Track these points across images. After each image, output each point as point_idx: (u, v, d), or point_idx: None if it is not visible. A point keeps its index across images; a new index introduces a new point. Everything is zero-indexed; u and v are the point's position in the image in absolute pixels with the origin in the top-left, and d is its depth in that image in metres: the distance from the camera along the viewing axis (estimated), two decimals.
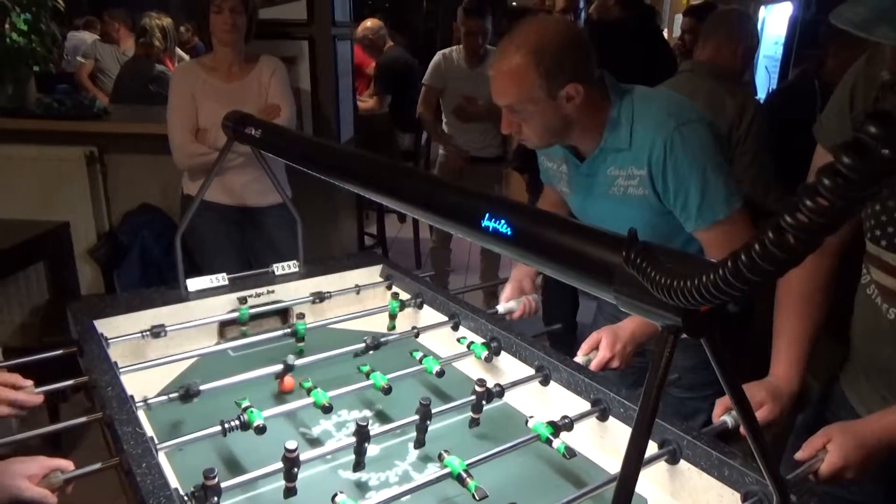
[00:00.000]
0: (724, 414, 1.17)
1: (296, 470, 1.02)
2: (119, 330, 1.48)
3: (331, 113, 3.14)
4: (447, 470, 1.02)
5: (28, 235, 2.81)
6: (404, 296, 1.72)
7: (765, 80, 4.48)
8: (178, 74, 2.59)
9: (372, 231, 4.78)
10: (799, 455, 1.07)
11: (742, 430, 1.13)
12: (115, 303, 1.58)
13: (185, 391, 1.24)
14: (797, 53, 4.10)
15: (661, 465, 1.10)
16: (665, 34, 4.33)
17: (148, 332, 1.47)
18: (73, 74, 5.04)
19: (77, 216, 3.20)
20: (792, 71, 4.08)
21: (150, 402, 1.23)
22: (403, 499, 1.00)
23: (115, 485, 1.11)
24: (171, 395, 1.23)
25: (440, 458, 1.04)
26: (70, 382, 1.30)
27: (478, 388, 1.23)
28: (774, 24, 4.74)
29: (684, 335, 0.58)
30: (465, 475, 1.01)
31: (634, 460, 0.58)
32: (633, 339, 1.44)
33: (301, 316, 1.55)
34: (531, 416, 1.17)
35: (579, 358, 1.41)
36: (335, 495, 0.97)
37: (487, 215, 0.76)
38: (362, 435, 1.09)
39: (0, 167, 3.16)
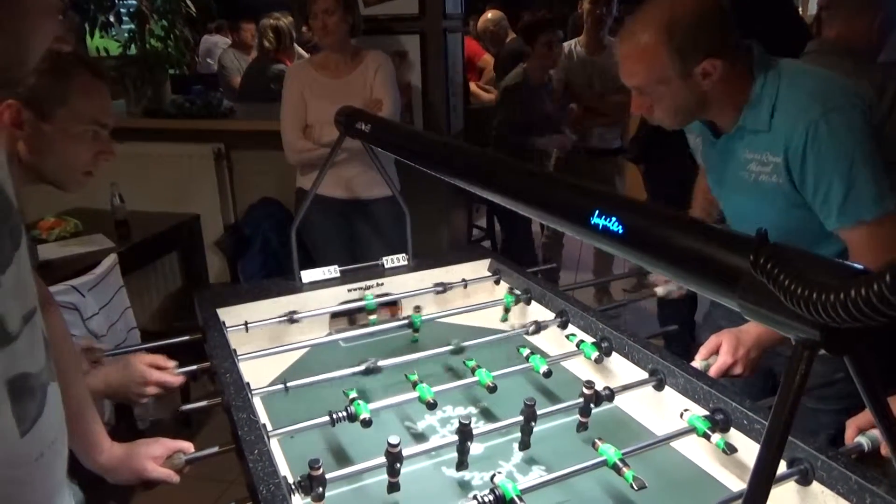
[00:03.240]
0: (857, 436, 1.05)
1: (398, 465, 1.03)
2: (238, 318, 1.55)
3: (441, 106, 3.15)
4: (602, 458, 1.02)
5: (164, 227, 3.04)
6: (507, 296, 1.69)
7: None
8: (290, 73, 2.71)
9: (481, 224, 4.77)
10: None
11: (883, 451, 1.02)
12: (236, 292, 1.66)
13: (371, 364, 1.31)
14: None
15: (791, 486, 1.00)
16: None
17: (285, 318, 1.56)
18: (207, 76, 5.37)
19: (206, 209, 3.41)
20: None
21: (292, 385, 1.28)
22: (555, 484, 1.00)
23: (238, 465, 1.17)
24: (355, 370, 1.30)
25: (594, 445, 1.04)
26: (194, 367, 1.38)
27: (586, 391, 1.18)
28: None
29: (823, 351, 0.51)
30: (620, 465, 1.00)
31: (762, 489, 0.52)
32: (758, 344, 1.33)
33: (418, 308, 1.56)
34: (686, 410, 1.15)
35: (697, 363, 1.31)
36: (494, 475, 0.96)
37: (597, 212, 0.71)
38: (465, 434, 1.07)
39: (140, 164, 3.42)
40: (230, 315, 1.55)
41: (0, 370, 0.67)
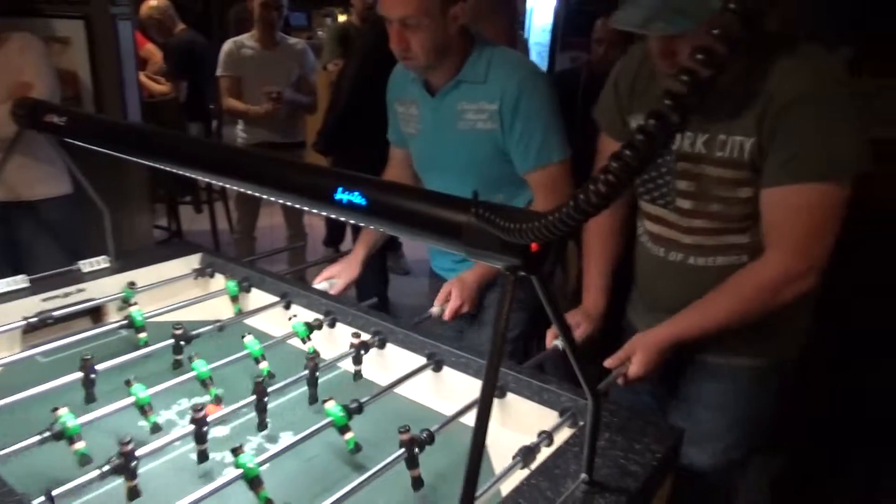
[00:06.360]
0: (554, 340, 1.41)
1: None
2: None
3: (115, 98, 2.90)
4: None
5: None
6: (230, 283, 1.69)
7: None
8: None
9: (161, 223, 4.51)
10: (608, 363, 1.32)
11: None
12: None
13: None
14: (563, 40, 4.68)
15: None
16: None
17: None
18: None
19: None
20: (560, 55, 4.65)
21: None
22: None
23: None
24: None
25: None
26: None
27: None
28: (542, 14, 5.30)
29: (522, 273, 0.72)
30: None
31: (489, 392, 0.71)
32: (478, 284, 1.65)
33: (134, 303, 1.48)
34: (326, 400, 1.15)
35: (434, 309, 1.59)
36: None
37: (341, 189, 0.83)
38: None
39: None
40: None
41: None
